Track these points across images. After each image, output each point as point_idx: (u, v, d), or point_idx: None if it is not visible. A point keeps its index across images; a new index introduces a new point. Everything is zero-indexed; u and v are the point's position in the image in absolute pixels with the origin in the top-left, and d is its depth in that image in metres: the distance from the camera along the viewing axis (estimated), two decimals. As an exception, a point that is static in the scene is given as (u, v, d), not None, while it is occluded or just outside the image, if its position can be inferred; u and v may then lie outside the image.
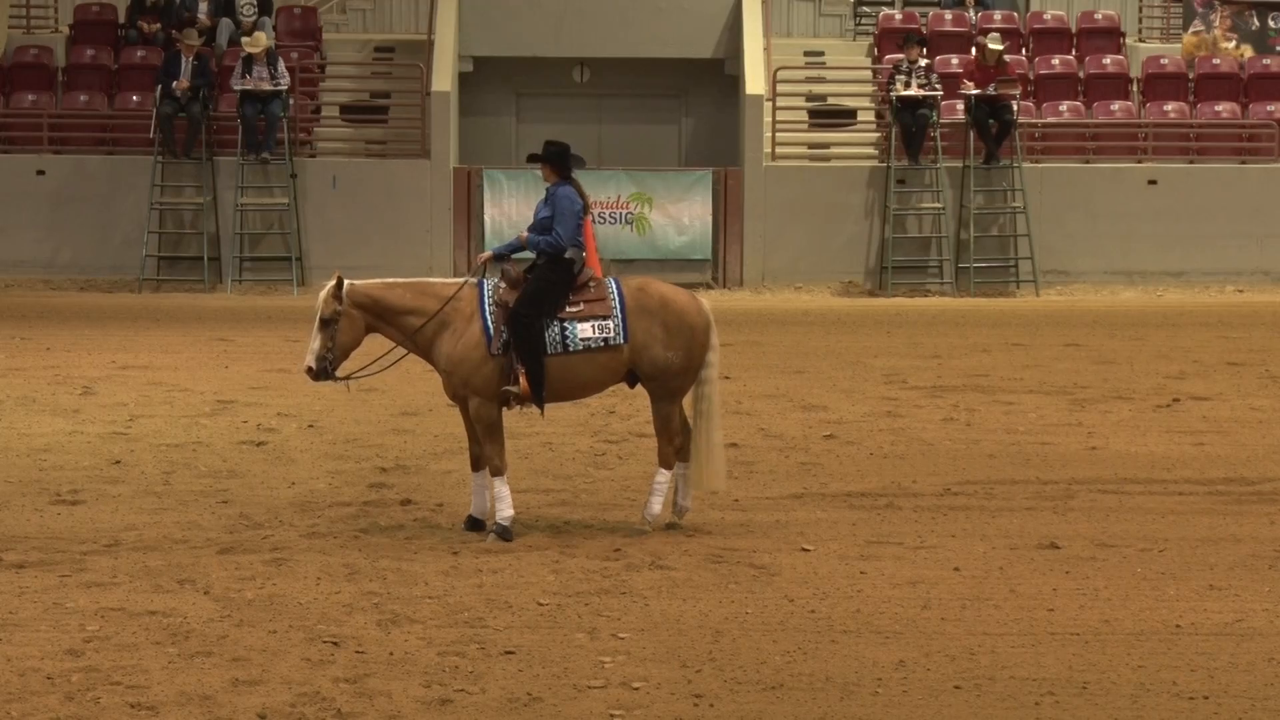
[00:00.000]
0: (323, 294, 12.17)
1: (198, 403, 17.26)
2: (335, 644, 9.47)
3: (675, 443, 12.17)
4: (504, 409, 12.12)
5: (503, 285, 12.13)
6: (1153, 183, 28.45)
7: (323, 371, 12.23)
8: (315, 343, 12.17)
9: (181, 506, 12.82)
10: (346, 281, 12.22)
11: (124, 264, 27.71)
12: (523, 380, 11.94)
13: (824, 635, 9.75)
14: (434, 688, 8.79)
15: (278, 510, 12.70)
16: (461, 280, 12.38)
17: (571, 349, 11.99)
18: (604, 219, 28.02)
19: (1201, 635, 9.80)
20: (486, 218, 28.06)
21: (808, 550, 11.63)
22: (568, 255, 12.15)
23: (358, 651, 9.36)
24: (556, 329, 11.99)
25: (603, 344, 11.99)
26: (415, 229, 27.99)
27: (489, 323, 12.02)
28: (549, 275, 12.14)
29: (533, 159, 12.49)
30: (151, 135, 27.85)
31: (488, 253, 12.61)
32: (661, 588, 10.70)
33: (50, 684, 8.77)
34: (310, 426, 16.04)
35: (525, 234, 12.36)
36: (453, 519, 12.42)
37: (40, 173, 28.15)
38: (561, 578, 10.90)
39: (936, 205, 28.08)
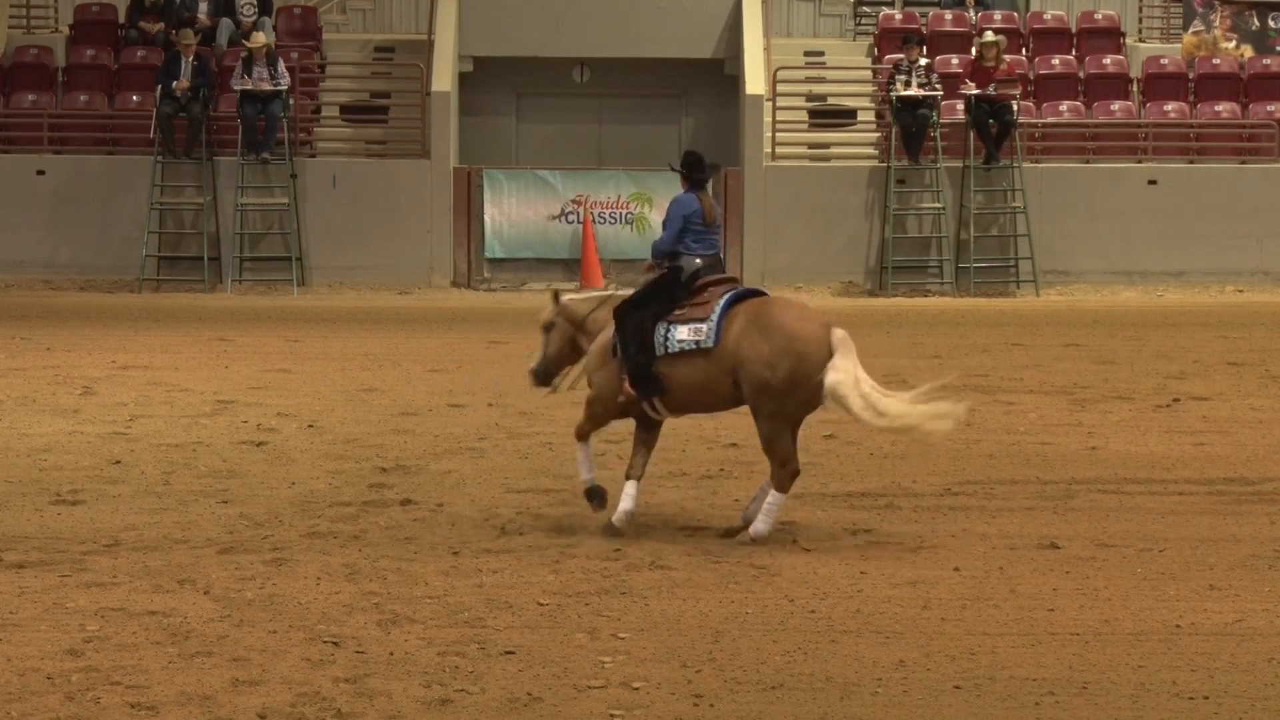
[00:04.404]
0: None
1: (198, 403, 17.25)
2: (335, 644, 9.46)
3: (789, 467, 11.82)
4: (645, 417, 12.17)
5: None
6: (1153, 183, 28.46)
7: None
8: None
9: (181, 506, 12.82)
10: None
11: (124, 264, 27.73)
12: (625, 384, 12.00)
13: (824, 635, 9.75)
14: (434, 688, 8.79)
15: (278, 510, 12.70)
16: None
17: (670, 350, 11.91)
18: (604, 219, 28.06)
19: (1201, 635, 9.79)
20: (486, 218, 28.08)
21: (808, 550, 11.63)
22: (679, 262, 12.07)
23: (358, 651, 9.36)
24: (662, 331, 11.95)
25: (694, 346, 11.88)
26: (415, 229, 28.01)
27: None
28: (655, 279, 12.18)
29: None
30: (151, 135, 27.88)
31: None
32: (661, 588, 10.70)
33: (50, 684, 8.77)
34: (310, 426, 16.03)
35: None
36: (453, 519, 12.43)
37: (40, 173, 28.16)
38: (561, 578, 10.89)
39: (936, 205, 28.09)
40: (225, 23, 29.38)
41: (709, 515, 12.57)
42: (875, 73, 29.53)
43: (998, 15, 30.55)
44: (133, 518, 12.45)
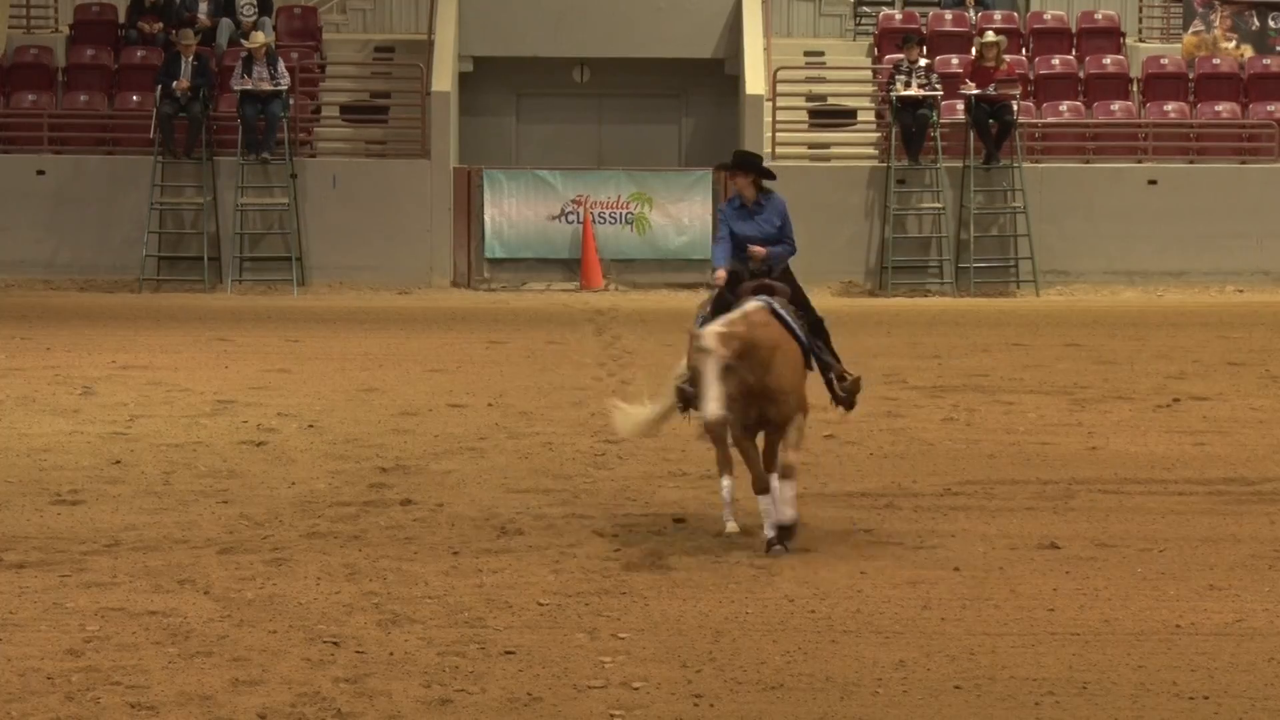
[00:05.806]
0: None
1: (198, 403, 17.26)
2: (335, 644, 9.47)
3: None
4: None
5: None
6: (1153, 183, 28.44)
7: None
8: None
9: (181, 506, 12.82)
10: None
11: (124, 264, 27.71)
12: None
13: (824, 635, 9.75)
14: (434, 688, 8.79)
15: (278, 510, 12.70)
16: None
17: None
18: (604, 219, 28.03)
19: (1201, 635, 9.79)
20: (486, 218, 28.07)
21: (808, 550, 11.63)
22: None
23: (358, 651, 9.36)
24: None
25: None
26: (415, 229, 28.00)
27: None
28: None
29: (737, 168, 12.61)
30: (151, 135, 27.86)
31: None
32: (661, 588, 10.70)
33: (50, 684, 8.77)
34: (310, 426, 16.04)
35: (761, 249, 12.72)
36: (453, 519, 12.43)
37: (40, 173, 28.15)
38: (561, 578, 10.90)
39: (936, 205, 28.08)
40: (225, 23, 29.37)
41: (708, 515, 12.57)
42: (875, 73, 29.52)
43: (998, 15, 30.53)
44: (133, 518, 12.45)
